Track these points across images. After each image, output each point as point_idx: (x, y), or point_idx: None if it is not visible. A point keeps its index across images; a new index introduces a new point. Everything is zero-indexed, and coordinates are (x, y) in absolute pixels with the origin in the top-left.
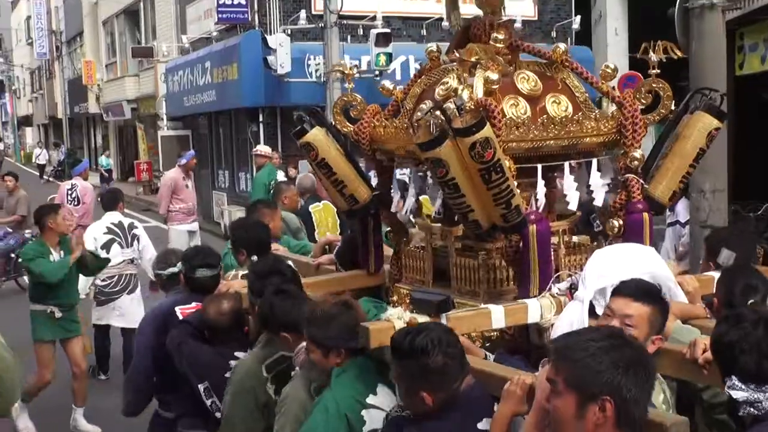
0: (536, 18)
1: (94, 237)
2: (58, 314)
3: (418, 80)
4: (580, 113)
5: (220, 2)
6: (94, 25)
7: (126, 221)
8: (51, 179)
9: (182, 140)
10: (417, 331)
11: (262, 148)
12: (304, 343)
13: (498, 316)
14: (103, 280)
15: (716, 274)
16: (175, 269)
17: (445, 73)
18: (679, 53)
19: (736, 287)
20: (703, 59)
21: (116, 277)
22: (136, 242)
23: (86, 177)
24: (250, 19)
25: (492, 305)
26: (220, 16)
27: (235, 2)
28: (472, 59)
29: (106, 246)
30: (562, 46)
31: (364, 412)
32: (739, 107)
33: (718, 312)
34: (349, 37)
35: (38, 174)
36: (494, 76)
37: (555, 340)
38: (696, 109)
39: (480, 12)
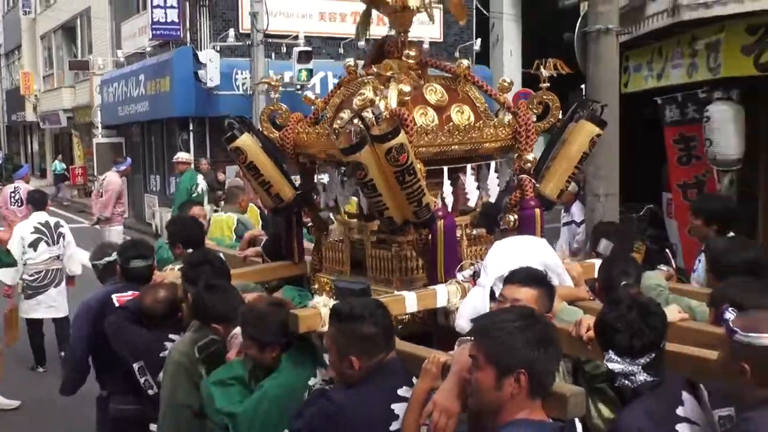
0: (442, 40)
1: (21, 236)
2: None
3: (338, 91)
4: (480, 122)
5: (154, 20)
6: (32, 40)
7: (52, 220)
8: None
9: (116, 147)
10: (357, 301)
11: (183, 156)
12: (237, 330)
13: (411, 301)
14: (31, 275)
15: (597, 262)
16: (110, 258)
17: (361, 86)
18: (566, 69)
19: (614, 272)
20: (598, 78)
21: (43, 272)
22: (61, 239)
23: (28, 180)
24: (182, 36)
25: (405, 292)
26: (154, 32)
27: (168, 20)
28: (388, 73)
29: (34, 244)
30: (464, 62)
31: (306, 396)
32: (627, 122)
33: (599, 294)
34: (273, 54)
35: None
36: (407, 88)
37: (475, 320)
38: (580, 118)
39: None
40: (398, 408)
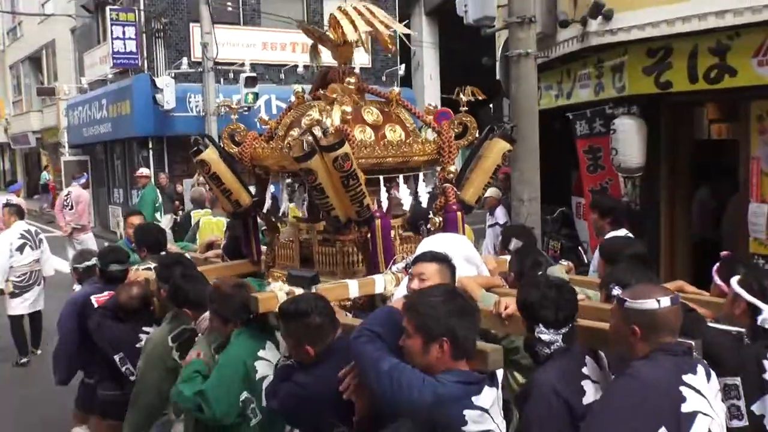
0: (370, 66)
1: (10, 242)
2: None
3: (288, 113)
4: (410, 138)
5: (115, 50)
6: (1, 69)
7: (32, 228)
8: None
9: (82, 164)
10: (298, 298)
11: (144, 171)
12: (206, 314)
13: (354, 288)
14: (18, 277)
15: (508, 257)
16: (90, 263)
17: (309, 108)
18: (482, 96)
19: (526, 263)
20: (520, 96)
21: (28, 273)
22: (41, 244)
23: (19, 194)
24: (140, 64)
25: (349, 280)
26: (114, 61)
27: (127, 50)
28: (333, 95)
29: (21, 248)
30: (396, 89)
31: (257, 363)
32: (541, 134)
33: (512, 282)
34: (222, 79)
35: None
36: (348, 108)
37: (406, 297)
38: (494, 136)
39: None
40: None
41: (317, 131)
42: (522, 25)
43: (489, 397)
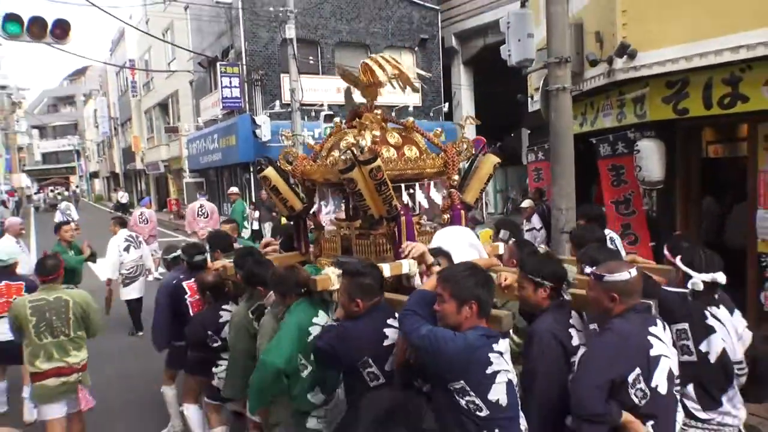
0: (421, 104)
1: (117, 245)
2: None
3: (329, 139)
4: (423, 155)
5: (224, 96)
6: (138, 113)
7: (133, 234)
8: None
9: (198, 185)
10: (360, 264)
11: (234, 189)
12: (272, 293)
13: (387, 270)
14: (128, 270)
15: (500, 244)
16: (175, 254)
17: (345, 134)
18: (475, 121)
19: (525, 251)
20: (558, 124)
21: (134, 267)
22: (141, 246)
23: (150, 207)
24: (243, 106)
25: (383, 263)
26: (223, 105)
27: (233, 96)
28: (366, 123)
29: (126, 249)
30: (410, 119)
31: (311, 328)
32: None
33: (507, 262)
34: (306, 117)
35: (112, 208)
36: (377, 133)
37: (441, 272)
38: (487, 152)
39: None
40: (388, 331)
41: (355, 150)
42: (560, 64)
43: (504, 345)
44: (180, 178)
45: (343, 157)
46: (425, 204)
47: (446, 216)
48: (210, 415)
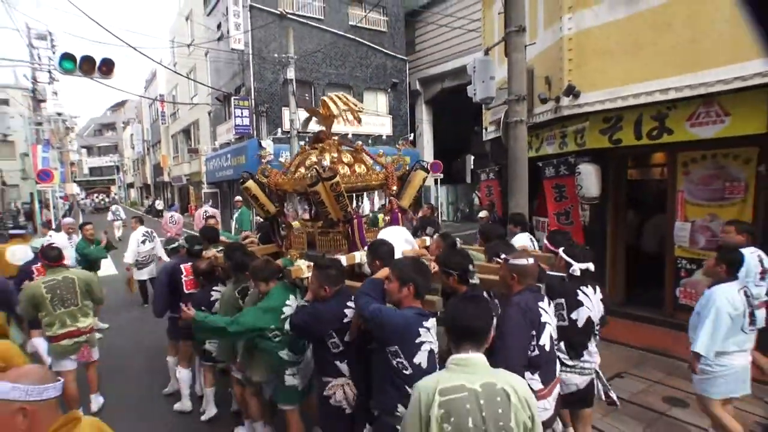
0: (392, 133)
1: (137, 238)
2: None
3: (296, 158)
4: (369, 172)
5: (236, 124)
6: (166, 137)
7: (149, 230)
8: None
9: (214, 194)
10: (326, 259)
11: (238, 198)
12: None
13: (343, 260)
14: (142, 257)
15: (427, 238)
16: (175, 245)
17: (309, 155)
18: (407, 144)
19: (448, 242)
20: (515, 149)
21: (147, 256)
22: (155, 239)
23: (178, 211)
24: (251, 132)
25: (339, 255)
26: (236, 131)
27: (244, 124)
28: (326, 146)
29: (143, 241)
30: (359, 142)
31: (285, 308)
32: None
33: (433, 252)
34: (303, 142)
35: (144, 211)
36: (335, 154)
37: (395, 262)
38: (417, 168)
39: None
40: (347, 311)
41: (319, 168)
42: (518, 101)
43: (432, 323)
44: (199, 188)
45: (309, 173)
46: (367, 209)
47: (387, 218)
48: (205, 374)
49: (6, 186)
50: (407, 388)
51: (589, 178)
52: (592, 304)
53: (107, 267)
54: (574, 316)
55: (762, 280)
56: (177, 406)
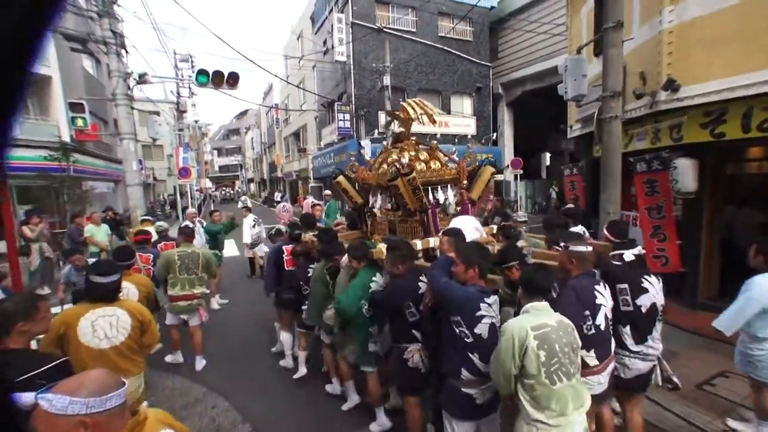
0: (476, 133)
1: (248, 223)
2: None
3: (379, 157)
4: (443, 167)
5: (339, 127)
6: (280, 139)
7: (256, 217)
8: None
9: (319, 188)
10: (397, 241)
11: (327, 192)
12: (344, 258)
13: (419, 244)
14: (254, 238)
15: (494, 227)
16: (276, 228)
17: (390, 153)
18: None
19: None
20: (610, 144)
21: (257, 237)
22: (261, 225)
23: (288, 201)
24: (352, 133)
25: (416, 240)
26: (339, 132)
27: (346, 126)
28: (404, 146)
29: (253, 226)
30: (434, 142)
31: (372, 284)
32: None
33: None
34: (386, 141)
35: (262, 202)
36: (413, 153)
37: (458, 246)
38: (485, 164)
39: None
40: (420, 284)
41: (398, 165)
42: (613, 97)
43: (493, 299)
44: (306, 183)
45: (390, 170)
46: (442, 200)
47: (459, 208)
48: (300, 339)
49: (156, 181)
50: (469, 354)
51: (687, 173)
52: (656, 291)
53: (231, 249)
54: (639, 302)
55: None
56: (282, 362)
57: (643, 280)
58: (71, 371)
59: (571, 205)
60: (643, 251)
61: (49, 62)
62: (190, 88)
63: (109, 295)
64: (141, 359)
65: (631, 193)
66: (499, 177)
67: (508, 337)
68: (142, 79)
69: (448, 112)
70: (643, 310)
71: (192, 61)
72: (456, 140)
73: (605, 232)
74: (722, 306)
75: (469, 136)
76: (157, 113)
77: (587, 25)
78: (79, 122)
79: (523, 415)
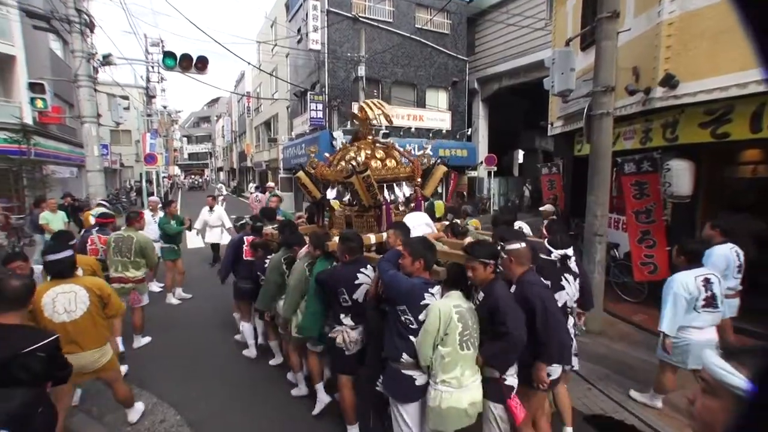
0: (450, 128)
1: (204, 209)
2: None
3: (338, 154)
4: (398, 165)
5: (311, 117)
6: (250, 128)
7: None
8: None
9: (290, 180)
10: (349, 233)
11: (271, 183)
12: (302, 249)
13: (372, 238)
14: (212, 225)
15: (446, 223)
16: (242, 222)
17: (348, 151)
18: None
19: (456, 229)
20: (599, 144)
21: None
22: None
23: (263, 192)
24: (324, 124)
25: (370, 234)
26: (311, 123)
27: (318, 117)
28: (362, 144)
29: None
30: (390, 140)
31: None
32: (582, 172)
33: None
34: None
35: (231, 192)
36: (369, 151)
37: (406, 239)
38: (439, 163)
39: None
40: (359, 275)
41: (354, 163)
42: (605, 92)
43: (437, 289)
44: (276, 173)
45: (347, 167)
46: (399, 198)
47: (412, 205)
48: (268, 330)
49: (123, 167)
50: (412, 339)
51: (682, 176)
52: (571, 290)
53: (196, 241)
54: (556, 296)
55: (738, 273)
56: (245, 352)
57: (562, 278)
58: (60, 347)
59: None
60: (570, 253)
61: (13, 41)
62: (159, 72)
63: (65, 271)
64: (105, 332)
65: (612, 194)
66: (473, 173)
67: (436, 313)
68: (106, 60)
69: (423, 105)
70: (559, 304)
71: (162, 45)
72: (430, 134)
73: (544, 229)
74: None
75: (444, 131)
76: (126, 98)
77: (573, 18)
78: (39, 103)
79: (431, 381)
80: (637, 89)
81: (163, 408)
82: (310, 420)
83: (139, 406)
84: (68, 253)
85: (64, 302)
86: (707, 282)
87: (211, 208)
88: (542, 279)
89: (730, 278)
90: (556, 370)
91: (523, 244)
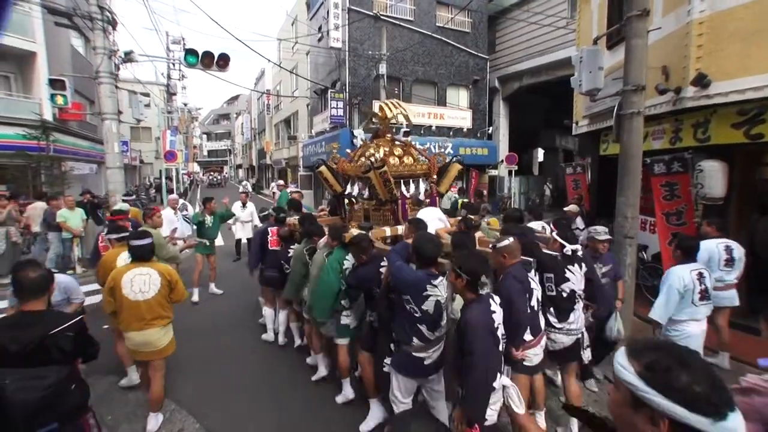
0: (471, 127)
1: (250, 211)
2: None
3: (359, 150)
4: (415, 162)
5: (332, 115)
6: (270, 126)
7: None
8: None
9: (309, 177)
10: (357, 235)
11: (281, 181)
12: (321, 240)
13: (388, 231)
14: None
15: (458, 218)
16: (265, 213)
17: (368, 147)
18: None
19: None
20: (629, 143)
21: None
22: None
23: (280, 188)
24: (345, 122)
25: (386, 227)
26: (331, 121)
27: (339, 114)
28: (381, 142)
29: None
30: (408, 138)
31: (345, 263)
32: (607, 172)
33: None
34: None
35: (253, 189)
36: (387, 148)
37: (413, 237)
38: (454, 161)
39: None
40: (382, 269)
41: (372, 159)
42: (636, 91)
43: (440, 280)
44: (296, 171)
45: (366, 163)
46: (414, 193)
47: (428, 200)
48: (289, 314)
49: (143, 163)
50: (418, 326)
51: (715, 177)
52: (576, 279)
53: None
54: (561, 288)
55: (728, 267)
56: (264, 336)
57: (566, 270)
58: (86, 327)
59: (517, 208)
60: (580, 249)
61: (34, 37)
62: (180, 70)
63: (145, 255)
64: (168, 314)
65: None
66: (494, 172)
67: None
68: (127, 57)
69: (444, 104)
70: (564, 294)
71: (184, 43)
72: (451, 133)
73: (552, 226)
74: (753, 325)
75: (464, 129)
76: (147, 95)
77: (599, 16)
78: (59, 100)
79: None
80: (667, 88)
81: (181, 416)
82: (330, 415)
83: (159, 416)
84: (149, 240)
85: (140, 283)
86: (701, 276)
87: (244, 204)
88: (543, 272)
89: (715, 270)
90: (537, 356)
91: (512, 239)
